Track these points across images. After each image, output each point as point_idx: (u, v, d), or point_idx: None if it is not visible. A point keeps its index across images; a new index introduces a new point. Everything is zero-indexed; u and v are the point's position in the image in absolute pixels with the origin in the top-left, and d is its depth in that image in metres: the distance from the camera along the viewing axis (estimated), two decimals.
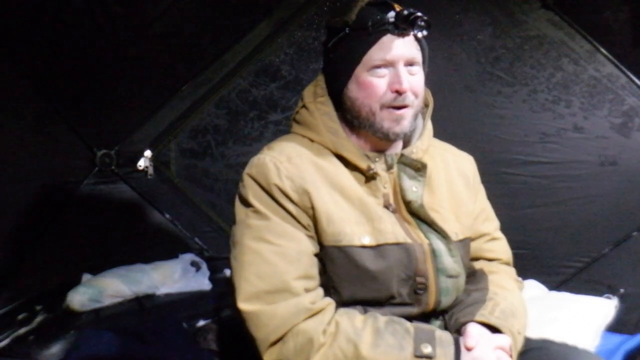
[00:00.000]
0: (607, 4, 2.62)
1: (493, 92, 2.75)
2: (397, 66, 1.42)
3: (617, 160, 2.70)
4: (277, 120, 2.87)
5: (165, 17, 2.69)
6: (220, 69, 2.86)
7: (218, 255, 2.90)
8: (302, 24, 2.82)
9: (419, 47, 1.46)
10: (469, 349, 1.33)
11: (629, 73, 2.67)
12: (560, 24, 2.69)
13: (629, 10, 2.61)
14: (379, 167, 1.48)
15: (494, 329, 1.39)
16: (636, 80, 2.67)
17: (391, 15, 1.42)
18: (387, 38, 1.42)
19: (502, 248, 1.70)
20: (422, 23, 1.41)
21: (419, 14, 1.40)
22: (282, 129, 2.78)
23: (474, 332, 1.37)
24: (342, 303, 1.41)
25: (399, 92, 1.42)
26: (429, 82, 1.53)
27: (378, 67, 1.42)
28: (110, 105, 2.78)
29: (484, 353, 1.33)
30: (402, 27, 1.41)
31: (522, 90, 2.74)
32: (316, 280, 1.40)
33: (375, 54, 1.42)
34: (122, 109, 2.83)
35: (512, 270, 1.69)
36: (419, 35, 1.43)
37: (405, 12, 1.40)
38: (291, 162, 1.43)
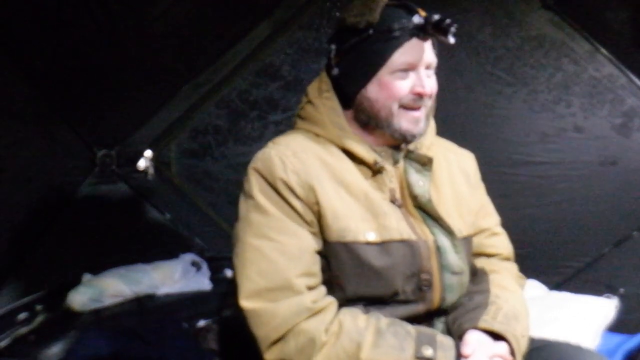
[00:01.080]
0: (607, 4, 2.63)
1: (493, 92, 2.76)
2: (418, 70, 1.43)
3: (617, 160, 2.70)
4: (278, 120, 2.87)
5: (165, 17, 2.68)
6: (220, 69, 2.86)
7: (218, 255, 2.90)
8: (303, 25, 2.82)
9: (434, 52, 1.47)
10: (465, 357, 1.34)
11: (629, 73, 2.68)
12: (561, 24, 2.69)
13: (629, 10, 2.61)
14: (385, 161, 1.48)
15: (497, 334, 1.39)
16: (636, 81, 2.68)
17: (418, 19, 1.41)
18: (414, 42, 1.42)
19: (502, 243, 1.69)
20: (454, 29, 1.40)
21: (449, 20, 1.39)
22: (282, 129, 2.74)
23: (471, 340, 1.37)
24: (345, 300, 1.40)
25: (420, 95, 1.43)
26: None
27: (401, 70, 1.42)
28: (110, 105, 2.78)
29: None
30: (431, 32, 1.41)
31: (522, 90, 2.74)
32: (318, 278, 1.40)
33: (401, 57, 1.41)
34: (123, 109, 2.83)
35: (513, 266, 1.69)
36: (451, 41, 1.42)
37: (436, 18, 1.39)
38: (297, 157, 1.43)
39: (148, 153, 2.91)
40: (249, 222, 1.40)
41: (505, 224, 1.74)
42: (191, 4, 2.72)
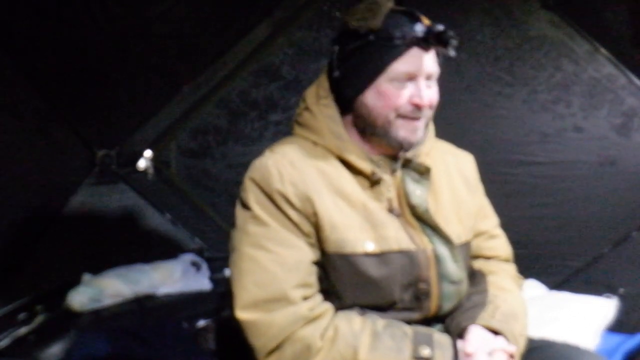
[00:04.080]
0: (607, 4, 2.62)
1: (493, 93, 2.76)
2: (418, 80, 1.41)
3: (617, 160, 2.70)
4: (278, 120, 2.87)
5: (165, 17, 2.68)
6: (220, 69, 2.86)
7: (218, 255, 2.90)
8: (302, 25, 2.82)
9: (437, 62, 1.45)
10: (467, 355, 1.33)
11: (628, 73, 2.67)
12: (560, 24, 2.69)
13: (629, 10, 2.61)
14: (383, 171, 1.47)
15: (496, 332, 1.39)
16: (636, 81, 2.67)
17: (421, 29, 1.39)
18: (414, 51, 1.39)
19: (501, 245, 1.69)
20: (455, 42, 1.39)
21: (451, 32, 1.37)
22: (282, 129, 2.78)
23: (473, 338, 1.37)
24: (343, 308, 1.40)
25: (417, 106, 1.41)
26: None
27: (400, 79, 1.40)
28: (110, 105, 2.79)
29: (481, 358, 1.33)
30: (432, 43, 1.39)
31: (522, 91, 2.74)
32: (314, 288, 1.39)
33: (401, 66, 1.39)
34: (123, 109, 2.83)
35: (511, 268, 1.69)
36: (451, 54, 1.41)
37: (438, 29, 1.37)
38: (294, 167, 1.41)
39: (148, 153, 2.91)
40: (246, 232, 1.39)
41: (505, 224, 1.74)
42: (191, 4, 2.72)
